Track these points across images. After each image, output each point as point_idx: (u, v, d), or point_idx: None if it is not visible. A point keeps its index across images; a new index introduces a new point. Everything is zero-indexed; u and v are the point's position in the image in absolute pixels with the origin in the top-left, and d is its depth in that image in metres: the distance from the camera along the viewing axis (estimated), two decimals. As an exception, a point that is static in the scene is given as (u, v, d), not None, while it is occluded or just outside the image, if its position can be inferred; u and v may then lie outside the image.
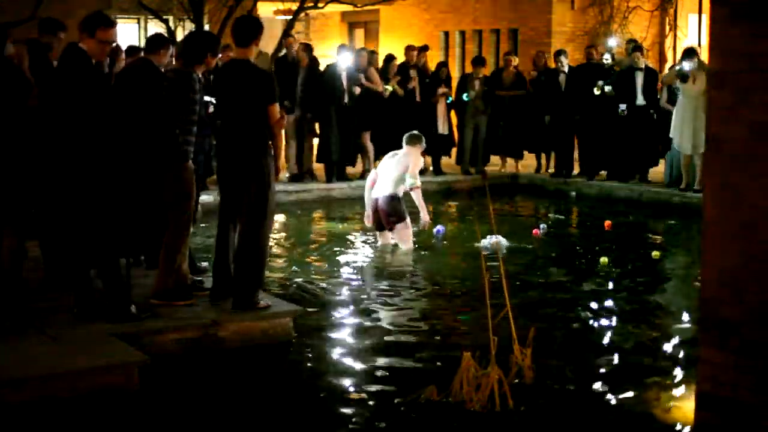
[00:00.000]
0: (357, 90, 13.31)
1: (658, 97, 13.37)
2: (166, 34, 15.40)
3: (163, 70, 6.81)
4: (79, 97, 5.90)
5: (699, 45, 16.63)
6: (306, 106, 13.42)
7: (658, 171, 13.64)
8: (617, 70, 13.88)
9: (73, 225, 6.09)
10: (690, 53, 12.62)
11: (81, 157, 5.91)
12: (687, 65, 12.33)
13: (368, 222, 9.84)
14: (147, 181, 6.74)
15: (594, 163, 14.06)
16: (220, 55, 7.18)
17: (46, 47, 7.40)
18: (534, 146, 15.03)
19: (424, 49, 15.12)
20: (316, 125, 13.77)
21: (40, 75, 6.59)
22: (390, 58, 14.38)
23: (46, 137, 6.20)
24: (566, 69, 14.25)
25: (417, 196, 9.67)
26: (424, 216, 9.78)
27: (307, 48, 14.06)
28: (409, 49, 14.76)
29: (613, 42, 17.10)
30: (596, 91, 13.43)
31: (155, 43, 7.34)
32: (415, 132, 9.94)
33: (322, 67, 13.88)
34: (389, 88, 13.90)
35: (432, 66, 15.08)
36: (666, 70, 14.50)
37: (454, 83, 15.35)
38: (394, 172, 9.53)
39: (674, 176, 13.05)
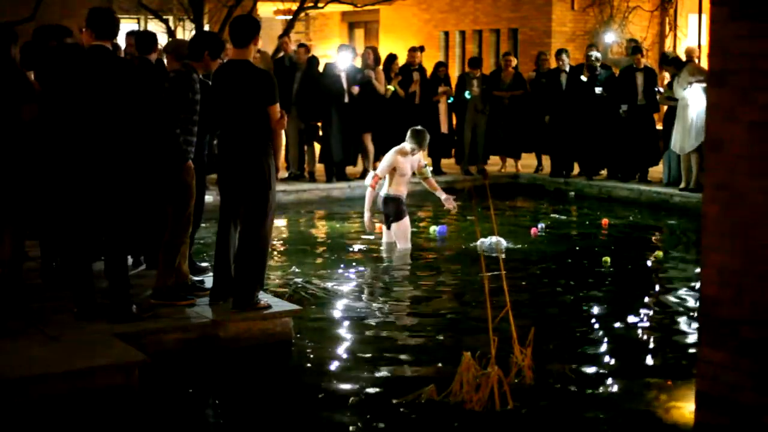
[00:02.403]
0: (355, 89, 13.31)
1: (657, 97, 13.38)
2: (166, 34, 15.48)
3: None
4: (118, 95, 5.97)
5: (699, 45, 16.66)
6: (305, 114, 13.37)
7: (659, 171, 13.65)
8: (608, 70, 13.87)
9: (76, 224, 6.09)
10: (664, 59, 12.88)
11: (96, 156, 5.91)
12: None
13: (368, 226, 9.72)
14: (147, 180, 6.74)
15: (594, 163, 14.07)
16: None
17: (52, 49, 7.41)
18: (533, 146, 15.04)
19: (421, 49, 15.13)
20: (319, 130, 13.77)
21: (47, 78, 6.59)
22: (392, 58, 14.37)
23: (50, 137, 6.20)
24: (567, 68, 14.24)
25: (371, 191, 9.50)
26: (366, 219, 9.59)
27: (305, 49, 14.06)
28: (411, 51, 14.77)
29: (608, 40, 17.11)
30: (598, 91, 13.45)
31: (147, 43, 7.42)
32: (418, 128, 9.65)
33: (320, 67, 13.88)
34: (391, 88, 13.90)
35: (431, 66, 15.07)
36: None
37: (454, 83, 15.34)
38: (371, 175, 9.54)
39: (673, 176, 13.06)
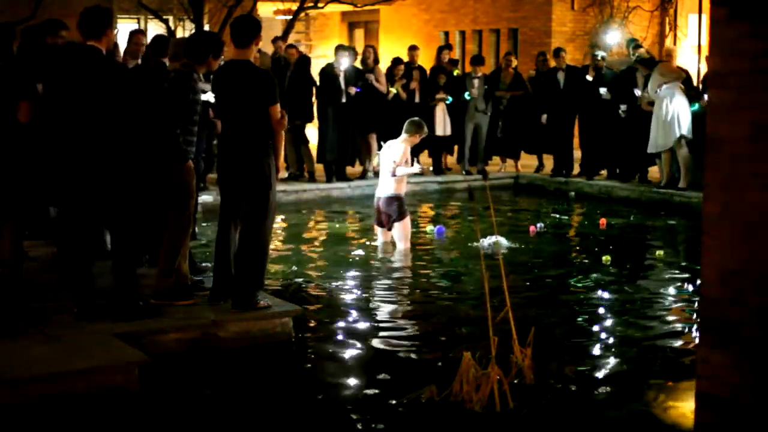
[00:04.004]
0: (352, 90, 13.31)
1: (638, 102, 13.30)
2: (166, 34, 15.47)
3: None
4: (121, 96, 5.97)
5: (699, 45, 16.67)
6: (294, 113, 13.32)
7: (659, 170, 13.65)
8: (612, 71, 13.87)
9: (76, 224, 6.09)
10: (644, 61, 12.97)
11: (91, 155, 5.91)
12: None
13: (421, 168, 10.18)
14: (148, 180, 6.74)
15: (594, 163, 14.06)
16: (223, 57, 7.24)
17: (50, 47, 7.43)
18: (533, 147, 15.03)
19: (448, 48, 15.33)
20: (307, 132, 13.78)
21: (45, 75, 6.59)
22: (398, 61, 14.35)
23: (50, 137, 6.19)
24: (564, 66, 14.23)
25: (401, 172, 9.52)
26: (414, 169, 9.85)
27: (295, 49, 14.07)
28: (411, 49, 14.78)
29: (609, 41, 17.11)
30: (605, 95, 13.42)
31: (162, 46, 7.47)
32: (415, 119, 9.75)
33: (316, 67, 13.88)
34: (393, 90, 13.88)
35: (431, 66, 15.07)
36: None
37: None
38: (390, 167, 9.47)
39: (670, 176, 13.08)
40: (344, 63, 13.43)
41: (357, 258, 9.36)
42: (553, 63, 14.53)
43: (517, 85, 14.77)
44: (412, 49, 14.76)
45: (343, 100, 13.31)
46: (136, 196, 6.38)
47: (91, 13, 6.04)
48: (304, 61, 13.76)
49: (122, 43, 10.58)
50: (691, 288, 8.12)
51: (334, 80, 13.30)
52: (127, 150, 6.06)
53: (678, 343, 6.64)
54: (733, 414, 4.26)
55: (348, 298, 7.81)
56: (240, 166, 6.40)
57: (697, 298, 7.46)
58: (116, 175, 5.99)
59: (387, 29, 21.80)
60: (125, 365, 5.39)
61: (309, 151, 13.84)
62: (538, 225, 10.93)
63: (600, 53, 14.07)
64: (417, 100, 14.22)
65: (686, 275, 8.72)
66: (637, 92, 12.99)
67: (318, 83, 13.60)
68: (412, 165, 9.68)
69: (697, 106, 12.35)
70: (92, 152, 5.90)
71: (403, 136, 9.58)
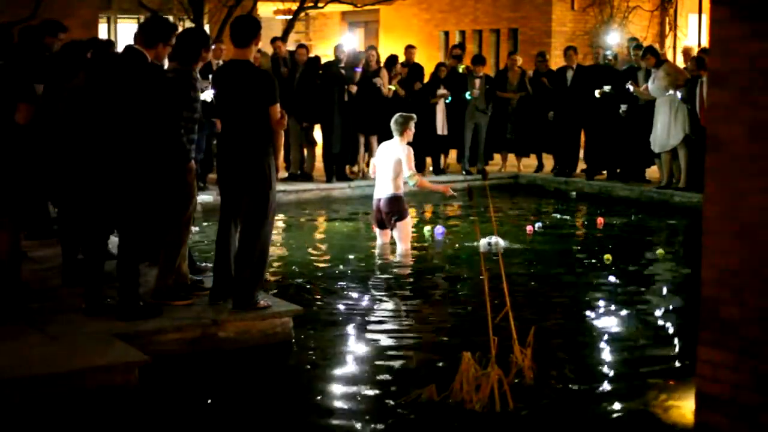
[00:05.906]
0: (353, 89, 13.30)
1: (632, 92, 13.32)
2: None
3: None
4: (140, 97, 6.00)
5: (699, 45, 16.67)
6: (302, 115, 13.33)
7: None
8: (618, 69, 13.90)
9: (97, 222, 6.10)
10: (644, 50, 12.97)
11: (118, 155, 5.95)
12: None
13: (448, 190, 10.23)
14: (150, 180, 6.73)
15: (595, 162, 14.06)
16: (213, 46, 7.28)
17: (46, 48, 7.44)
18: (536, 146, 15.03)
19: (460, 47, 15.46)
20: (315, 133, 13.76)
21: (42, 75, 6.60)
22: (393, 59, 14.34)
23: (62, 138, 6.21)
24: (575, 66, 14.22)
25: (425, 186, 9.84)
26: (444, 189, 10.16)
27: (305, 49, 14.07)
28: (408, 48, 14.78)
29: (611, 40, 17.15)
30: (597, 94, 13.42)
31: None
32: (400, 116, 9.54)
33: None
34: (392, 88, 13.88)
35: (431, 66, 15.07)
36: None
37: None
38: (390, 169, 9.42)
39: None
40: (346, 44, 13.37)
41: (357, 258, 9.36)
42: (554, 64, 14.53)
43: (524, 86, 14.74)
44: (409, 48, 14.75)
45: (345, 98, 13.30)
46: (145, 196, 6.39)
47: (152, 21, 6.29)
48: (314, 62, 13.73)
49: (122, 44, 10.58)
50: (690, 287, 8.12)
51: (336, 79, 13.26)
52: (141, 150, 6.06)
53: (678, 343, 6.64)
54: (733, 414, 4.26)
55: (348, 298, 7.80)
56: (240, 166, 6.40)
57: (697, 298, 7.47)
58: (134, 175, 6.00)
59: (387, 29, 21.80)
60: (125, 365, 5.39)
61: (314, 152, 13.83)
62: (536, 224, 10.93)
63: (610, 52, 14.11)
64: (404, 96, 14.15)
65: (686, 275, 8.72)
66: (630, 87, 12.99)
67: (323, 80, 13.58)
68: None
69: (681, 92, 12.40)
70: (114, 152, 5.92)
71: (397, 136, 9.45)
